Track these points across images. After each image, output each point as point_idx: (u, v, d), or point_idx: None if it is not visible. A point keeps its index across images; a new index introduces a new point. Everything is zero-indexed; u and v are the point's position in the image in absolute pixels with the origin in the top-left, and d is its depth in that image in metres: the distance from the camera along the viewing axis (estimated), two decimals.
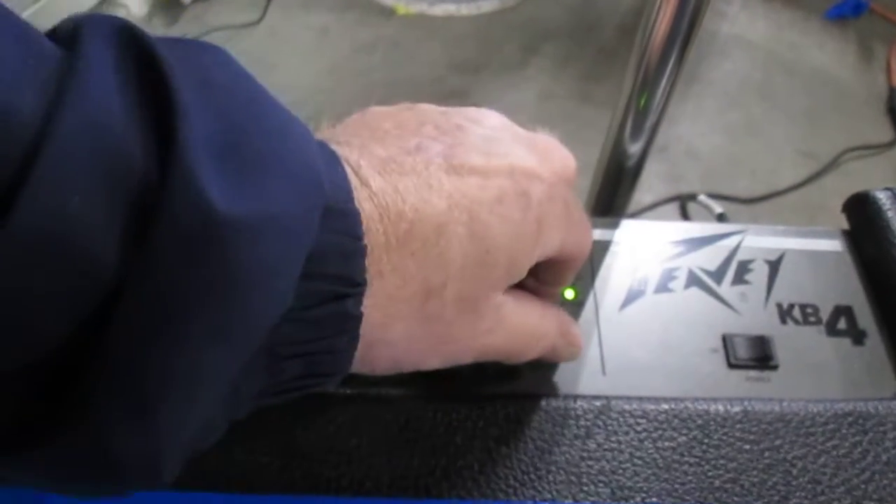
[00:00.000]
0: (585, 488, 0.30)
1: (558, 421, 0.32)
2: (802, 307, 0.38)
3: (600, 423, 0.32)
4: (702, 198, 0.56)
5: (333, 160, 0.23)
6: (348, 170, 0.23)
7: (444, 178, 0.25)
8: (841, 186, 1.40)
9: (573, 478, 0.30)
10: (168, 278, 0.17)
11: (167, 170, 0.17)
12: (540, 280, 0.32)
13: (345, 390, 0.32)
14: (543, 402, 0.32)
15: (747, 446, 0.31)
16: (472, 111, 0.29)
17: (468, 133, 0.27)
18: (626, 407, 0.32)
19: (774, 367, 0.36)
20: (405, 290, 0.24)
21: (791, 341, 0.37)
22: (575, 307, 0.37)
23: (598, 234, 0.41)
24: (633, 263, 0.40)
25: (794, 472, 0.31)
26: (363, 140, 0.25)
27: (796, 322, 0.38)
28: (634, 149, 0.48)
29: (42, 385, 0.17)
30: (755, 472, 0.31)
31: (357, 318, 0.22)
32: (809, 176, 1.48)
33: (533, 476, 0.30)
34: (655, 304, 0.38)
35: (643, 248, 0.40)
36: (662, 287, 0.39)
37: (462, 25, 1.74)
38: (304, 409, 0.31)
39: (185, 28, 1.77)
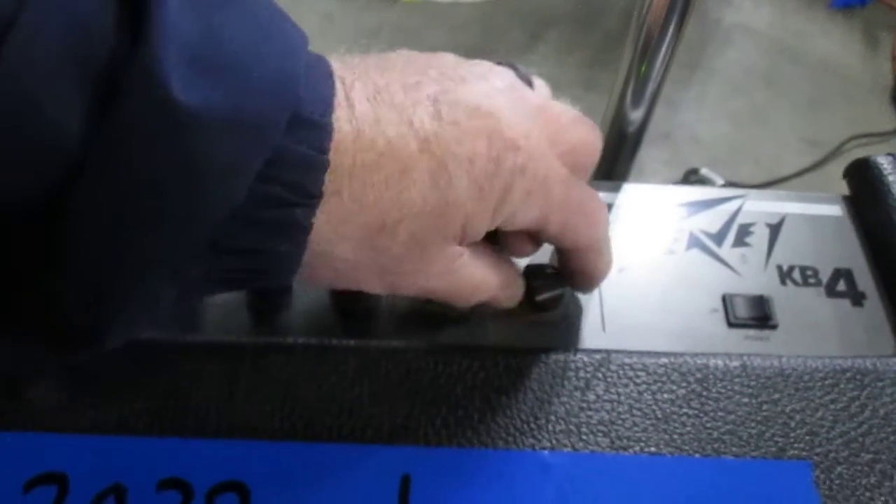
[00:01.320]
0: (585, 438, 0.30)
1: (558, 373, 0.32)
2: (802, 269, 0.38)
3: (600, 375, 0.32)
4: (704, 171, 0.56)
5: (324, 73, 0.23)
6: (339, 87, 0.23)
7: (427, 122, 0.25)
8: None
9: (573, 427, 0.31)
10: (124, 159, 0.18)
11: (133, 54, 0.17)
12: (563, 265, 0.33)
13: (346, 342, 0.32)
14: (543, 356, 0.33)
15: (746, 399, 0.32)
16: (485, 67, 0.28)
17: (469, 85, 0.26)
18: (626, 360, 0.33)
19: (774, 327, 0.36)
20: (360, 217, 0.24)
21: (790, 302, 0.37)
22: None
23: (601, 196, 0.41)
24: (634, 225, 0.40)
25: (792, 424, 0.31)
26: (367, 66, 0.26)
27: (796, 283, 0.38)
28: (635, 116, 0.48)
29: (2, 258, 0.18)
30: (753, 425, 0.31)
31: (304, 229, 0.23)
32: (814, 163, 1.47)
33: (532, 426, 0.31)
34: (656, 264, 0.38)
35: (645, 210, 0.41)
36: (663, 248, 0.39)
37: (466, 11, 1.74)
38: (306, 359, 0.32)
39: None
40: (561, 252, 0.33)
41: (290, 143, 0.21)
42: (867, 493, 0.29)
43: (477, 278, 0.30)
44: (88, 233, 0.18)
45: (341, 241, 0.25)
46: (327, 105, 0.22)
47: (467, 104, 0.26)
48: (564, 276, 0.34)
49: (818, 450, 0.30)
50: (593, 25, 1.74)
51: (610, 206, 0.41)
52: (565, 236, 0.30)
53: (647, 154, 0.52)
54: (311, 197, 0.22)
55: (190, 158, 0.18)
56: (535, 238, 0.31)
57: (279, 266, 0.24)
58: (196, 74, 0.18)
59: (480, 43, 1.66)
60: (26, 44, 0.16)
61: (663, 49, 0.46)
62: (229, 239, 0.21)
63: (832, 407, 0.32)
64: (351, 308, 0.35)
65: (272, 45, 0.21)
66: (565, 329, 0.35)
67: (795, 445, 0.30)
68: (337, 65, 0.24)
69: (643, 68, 0.47)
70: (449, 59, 0.28)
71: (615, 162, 0.52)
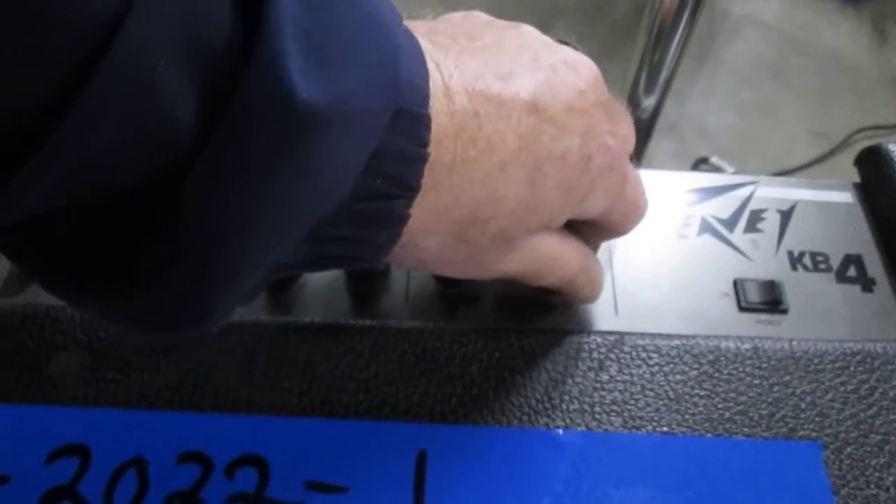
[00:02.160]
0: (598, 417, 0.31)
1: (572, 354, 0.32)
2: (813, 255, 0.39)
3: (613, 356, 0.32)
4: (714, 160, 0.57)
5: (418, 58, 0.22)
6: (437, 76, 0.23)
7: (524, 118, 0.25)
8: (853, 166, 1.39)
9: (586, 407, 0.31)
10: (240, 155, 0.17)
11: (253, 48, 0.17)
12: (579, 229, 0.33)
13: (363, 322, 0.33)
14: (557, 337, 0.33)
15: (757, 381, 0.32)
16: (571, 54, 0.28)
17: (561, 77, 0.26)
18: (639, 342, 0.33)
19: (784, 311, 0.36)
20: (454, 212, 0.24)
21: (801, 287, 0.37)
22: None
23: None
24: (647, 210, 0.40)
25: (803, 405, 0.31)
26: (461, 47, 0.25)
27: (806, 269, 0.38)
28: (648, 103, 0.49)
29: (114, 236, 0.18)
30: (764, 406, 0.31)
31: (402, 220, 0.23)
32: (821, 155, 1.47)
33: (547, 405, 0.31)
34: (668, 249, 0.38)
35: (657, 196, 0.41)
36: (675, 233, 0.39)
37: (476, 2, 1.73)
38: (324, 338, 0.32)
39: None
40: (585, 227, 0.32)
41: (392, 136, 0.21)
42: (876, 474, 0.30)
43: (554, 251, 0.29)
44: (201, 224, 0.18)
45: (432, 235, 0.25)
46: (424, 94, 0.22)
47: (564, 99, 0.26)
48: None
49: (828, 431, 0.31)
50: (602, 16, 1.74)
51: None
52: (620, 225, 0.31)
53: (655, 146, 0.52)
54: (410, 189, 0.22)
55: (306, 154, 0.18)
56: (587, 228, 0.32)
57: (372, 253, 0.24)
58: (315, 67, 0.18)
59: None
60: (145, 25, 0.15)
61: (676, 37, 0.46)
62: (331, 228, 0.21)
63: (842, 389, 0.32)
64: (367, 291, 0.36)
65: (377, 28, 0.20)
66: (578, 312, 0.36)
67: (806, 426, 0.31)
68: (427, 44, 0.23)
69: (656, 56, 0.48)
70: (534, 36, 0.28)
71: None
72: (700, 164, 0.60)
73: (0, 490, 0.28)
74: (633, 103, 0.49)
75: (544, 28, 0.29)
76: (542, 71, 0.26)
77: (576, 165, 0.26)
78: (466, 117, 0.23)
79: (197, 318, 0.20)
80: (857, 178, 0.43)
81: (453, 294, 0.35)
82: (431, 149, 0.22)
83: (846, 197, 0.41)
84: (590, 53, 0.30)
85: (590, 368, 0.32)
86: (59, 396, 0.30)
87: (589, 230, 0.32)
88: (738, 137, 1.52)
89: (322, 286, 0.35)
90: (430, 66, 0.23)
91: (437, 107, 0.22)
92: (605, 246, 0.38)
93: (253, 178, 0.18)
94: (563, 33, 0.30)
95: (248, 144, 0.17)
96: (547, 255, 0.29)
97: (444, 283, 0.35)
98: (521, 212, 0.26)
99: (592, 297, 0.34)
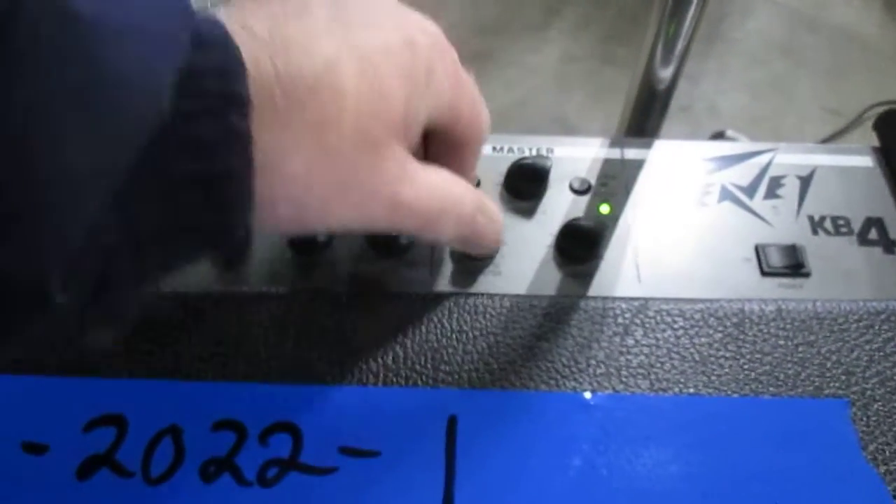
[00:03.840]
0: (625, 380, 0.31)
1: (597, 319, 0.33)
2: (834, 219, 0.39)
3: (638, 321, 0.33)
4: (730, 133, 0.57)
5: (208, 16, 0.23)
6: (231, 22, 0.23)
7: (332, 25, 0.26)
8: (866, 142, 1.38)
9: (612, 371, 0.31)
10: (30, 76, 0.17)
11: None
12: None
13: (390, 291, 0.33)
14: (582, 303, 0.33)
15: (782, 342, 0.32)
16: None
17: (352, 1, 0.28)
18: (663, 307, 0.33)
19: (806, 275, 0.36)
20: (300, 118, 0.24)
21: (823, 250, 0.37)
22: (610, 221, 0.38)
23: (633, 153, 0.41)
24: (666, 180, 0.40)
25: (829, 364, 0.32)
26: (250, 8, 0.25)
27: (828, 233, 0.38)
28: (665, 74, 0.49)
29: None
30: (790, 366, 0.32)
31: (245, 136, 0.22)
32: (834, 132, 1.46)
33: (574, 369, 0.31)
34: (689, 217, 0.39)
35: (676, 165, 0.41)
36: (696, 201, 0.39)
37: None
38: (352, 309, 0.33)
39: None
40: (448, 153, 0.32)
41: (200, 57, 0.21)
42: None
43: (441, 183, 0.29)
44: (8, 162, 0.17)
45: (290, 154, 0.24)
46: (223, 28, 0.22)
47: (362, 11, 0.27)
48: None
49: (854, 388, 0.31)
50: (609, 1, 1.73)
51: (642, 162, 0.41)
52: (472, 124, 0.31)
53: (667, 127, 0.52)
54: (238, 101, 0.22)
55: (97, 64, 0.18)
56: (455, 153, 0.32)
57: (233, 193, 0.23)
58: None
59: (497, 19, 1.66)
60: None
61: (692, 8, 0.46)
62: (175, 163, 0.21)
63: (867, 347, 0.32)
64: (392, 264, 0.36)
65: None
66: (600, 280, 0.36)
67: (832, 384, 0.31)
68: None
69: (672, 28, 0.48)
70: None
71: (646, 119, 0.52)
72: (716, 138, 0.60)
73: (39, 459, 0.29)
74: (650, 75, 0.49)
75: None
76: (333, 2, 0.27)
77: (403, 50, 0.27)
78: (274, 37, 0.24)
79: (33, 290, 0.19)
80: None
81: (475, 266, 0.36)
82: (250, 65, 0.22)
83: (865, 161, 0.41)
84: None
85: (615, 333, 0.32)
86: (95, 369, 0.31)
87: (453, 155, 0.32)
88: (751, 117, 1.52)
89: (348, 257, 0.35)
90: (223, 15, 0.24)
91: (239, 36, 0.23)
92: (625, 217, 0.38)
93: (54, 103, 0.17)
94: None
95: (38, 70, 0.17)
96: (434, 189, 0.29)
97: (464, 254, 0.35)
98: (367, 103, 0.25)
99: (497, 239, 0.34)
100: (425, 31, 0.28)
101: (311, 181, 0.25)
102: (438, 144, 0.32)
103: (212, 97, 0.21)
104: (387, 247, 0.36)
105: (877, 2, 1.77)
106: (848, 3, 1.76)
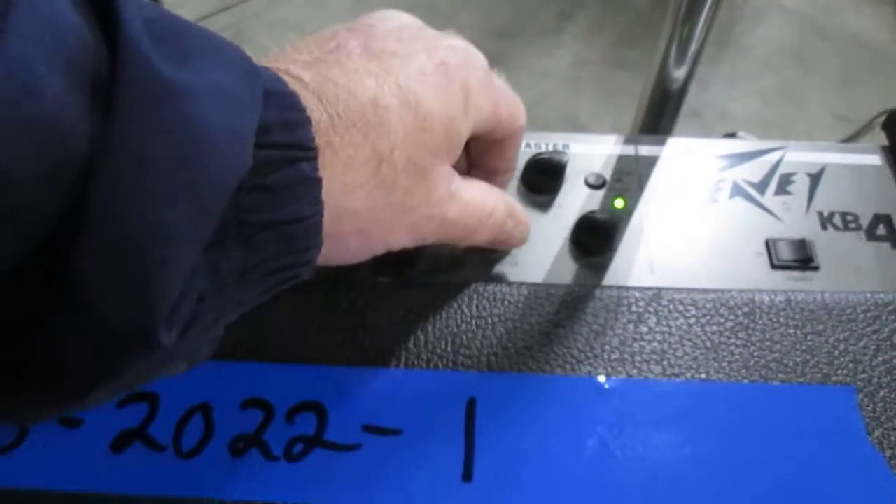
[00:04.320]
0: (638, 366, 0.32)
1: (611, 308, 0.34)
2: (843, 215, 0.40)
3: (651, 309, 0.34)
4: (741, 133, 0.58)
5: (263, 67, 0.25)
6: (279, 73, 0.25)
7: (367, 63, 0.27)
8: (878, 136, 1.39)
9: (626, 357, 0.32)
10: (134, 142, 0.19)
11: (116, 44, 0.19)
12: (487, 170, 0.35)
13: (411, 280, 0.34)
14: (597, 292, 0.34)
15: (791, 331, 0.33)
16: (379, 13, 0.32)
17: (379, 28, 0.30)
18: (676, 296, 0.34)
19: (816, 268, 0.37)
20: (357, 157, 0.26)
21: (832, 245, 0.38)
22: (624, 215, 0.39)
23: (646, 149, 0.43)
24: (679, 176, 0.41)
25: (836, 353, 0.33)
26: (285, 56, 0.28)
27: (836, 228, 0.39)
28: (678, 74, 0.50)
29: (29, 278, 0.18)
30: (798, 353, 0.33)
31: (315, 181, 0.24)
32: (845, 138, 1.47)
33: (589, 354, 0.32)
34: (701, 212, 0.40)
35: (689, 162, 0.42)
36: (708, 197, 0.40)
37: None
38: (374, 297, 0.34)
39: None
40: (490, 153, 0.35)
41: (270, 111, 0.23)
42: None
43: (480, 197, 0.32)
44: (110, 213, 0.18)
45: (352, 191, 0.26)
46: (283, 81, 0.24)
47: (391, 37, 0.29)
48: None
49: (861, 376, 0.32)
50: (622, 6, 1.75)
51: (656, 159, 0.42)
52: (512, 121, 0.33)
53: (678, 131, 0.53)
54: (308, 149, 0.24)
55: (193, 128, 0.20)
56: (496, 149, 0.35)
57: (309, 234, 0.25)
58: (172, 61, 0.20)
59: (511, 23, 1.67)
60: (20, 41, 0.17)
61: (705, 10, 0.47)
62: (254, 212, 0.22)
63: (874, 337, 0.33)
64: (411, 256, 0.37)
65: (220, 40, 0.23)
66: (614, 271, 0.37)
67: (839, 372, 0.32)
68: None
69: (685, 30, 0.49)
70: (341, 26, 0.30)
71: (660, 119, 0.53)
72: (728, 138, 0.61)
73: (74, 432, 0.30)
74: (664, 75, 0.50)
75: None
76: (361, 33, 0.29)
77: (436, 73, 0.28)
78: (319, 84, 0.26)
79: (141, 336, 0.20)
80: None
81: (493, 257, 0.37)
82: (308, 113, 0.24)
83: (874, 159, 0.42)
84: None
85: (629, 321, 0.33)
86: None
87: (494, 154, 0.34)
88: (762, 122, 1.52)
89: None
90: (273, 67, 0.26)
91: (292, 85, 0.25)
92: (639, 212, 0.39)
93: (151, 163, 0.19)
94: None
95: (137, 133, 0.19)
96: (475, 203, 0.31)
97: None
98: (414, 132, 0.27)
99: (524, 238, 0.36)
100: (454, 48, 0.30)
101: (373, 213, 0.28)
102: (480, 145, 0.34)
103: (282, 148, 0.23)
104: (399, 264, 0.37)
105: (888, 9, 1.78)
106: (859, 11, 1.77)
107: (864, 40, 1.70)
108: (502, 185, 0.36)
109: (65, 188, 0.18)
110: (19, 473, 0.29)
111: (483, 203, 0.32)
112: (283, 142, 0.23)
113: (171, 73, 0.19)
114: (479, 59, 0.31)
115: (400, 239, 0.30)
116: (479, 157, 0.35)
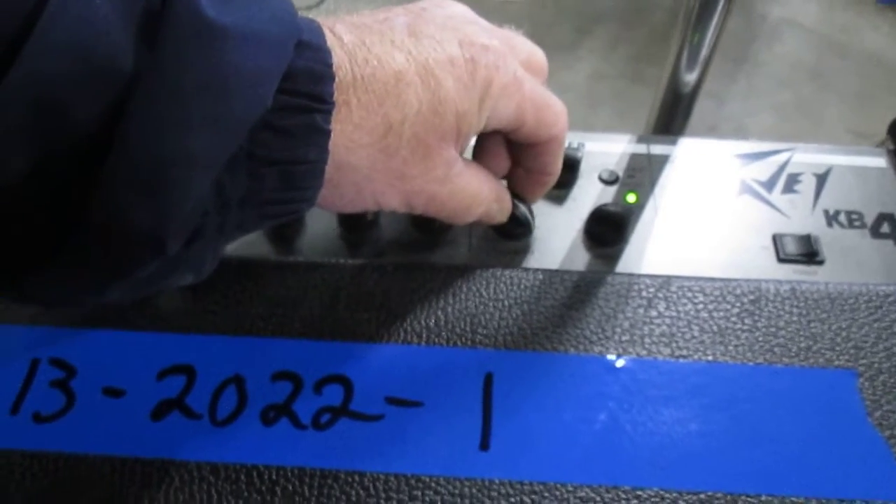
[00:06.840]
0: (648, 347, 0.34)
1: (622, 293, 0.36)
2: (848, 213, 0.41)
3: (661, 295, 0.35)
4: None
5: (310, 20, 0.28)
6: (324, 28, 0.28)
7: (406, 39, 0.30)
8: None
9: (636, 338, 0.34)
10: (171, 74, 0.22)
11: None
12: (527, 168, 0.37)
13: (432, 262, 0.36)
14: (609, 278, 0.36)
15: (795, 318, 0.35)
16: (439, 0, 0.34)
17: (430, 12, 0.32)
18: (685, 283, 0.36)
19: (821, 263, 0.39)
20: (369, 121, 0.28)
21: (837, 241, 0.40)
22: (636, 209, 0.41)
23: (658, 148, 0.44)
24: (689, 173, 0.43)
25: (839, 339, 0.34)
26: (343, 18, 0.30)
27: (842, 226, 0.41)
28: (689, 78, 0.52)
29: (67, 180, 0.21)
30: (802, 339, 0.34)
31: (325, 133, 0.27)
32: None
33: (600, 335, 0.34)
34: (710, 207, 0.41)
35: (699, 160, 0.44)
36: (717, 193, 0.42)
37: (515, 7, 1.77)
38: (397, 279, 0.36)
39: None
40: (527, 151, 0.36)
41: (299, 61, 0.25)
42: None
43: (473, 186, 0.34)
44: (143, 134, 0.22)
45: (357, 149, 0.29)
46: (321, 35, 0.27)
47: (435, 23, 0.31)
48: (518, 192, 0.38)
49: (862, 361, 0.33)
50: (639, 21, 1.77)
51: (667, 157, 0.44)
52: (539, 128, 0.34)
53: None
54: (325, 103, 0.26)
55: (225, 68, 0.23)
56: (511, 147, 0.37)
57: (310, 176, 0.27)
58: (218, 3, 0.23)
59: (529, 38, 1.70)
60: None
61: (715, 17, 0.49)
62: (264, 148, 0.25)
63: (876, 325, 0.35)
64: (433, 242, 0.39)
65: None
66: (625, 261, 0.39)
67: (841, 357, 0.34)
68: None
69: (696, 37, 0.51)
70: (386, 7, 0.33)
71: (672, 120, 0.55)
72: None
73: (117, 401, 0.32)
74: (675, 79, 0.52)
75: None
76: (412, 13, 0.32)
77: (464, 67, 0.30)
78: (355, 46, 0.28)
79: (153, 245, 0.23)
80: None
81: (510, 246, 0.39)
82: (336, 70, 0.27)
83: (879, 162, 0.44)
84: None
85: (639, 305, 0.35)
86: (167, 325, 0.34)
87: (532, 157, 0.36)
88: (778, 138, 1.52)
89: (394, 235, 0.39)
90: (321, 21, 0.28)
91: (330, 42, 0.27)
92: (650, 206, 0.41)
93: (185, 95, 0.22)
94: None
95: (177, 67, 0.22)
96: (468, 190, 0.33)
97: (498, 232, 0.39)
98: (427, 112, 0.30)
99: (504, 218, 0.38)
100: (487, 48, 0.31)
101: (371, 172, 0.30)
102: (517, 146, 0.36)
103: (302, 96, 0.26)
104: (428, 225, 0.39)
105: None
106: (877, 30, 1.78)
107: (882, 58, 1.71)
108: (543, 185, 0.38)
109: (109, 100, 0.21)
110: (66, 438, 0.31)
111: (476, 192, 0.34)
112: (304, 91, 0.26)
113: (213, 15, 0.22)
114: (512, 63, 0.32)
115: (390, 201, 0.32)
116: (518, 156, 0.37)
